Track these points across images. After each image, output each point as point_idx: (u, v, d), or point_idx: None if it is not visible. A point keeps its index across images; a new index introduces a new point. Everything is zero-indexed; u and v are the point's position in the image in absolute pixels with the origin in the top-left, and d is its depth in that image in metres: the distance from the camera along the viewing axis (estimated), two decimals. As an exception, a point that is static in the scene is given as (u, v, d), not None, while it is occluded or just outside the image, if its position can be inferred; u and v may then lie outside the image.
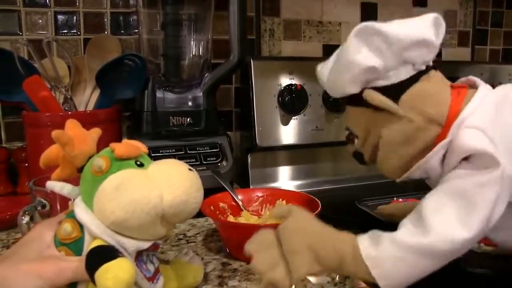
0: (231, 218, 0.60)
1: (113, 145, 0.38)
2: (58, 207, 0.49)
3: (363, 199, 0.72)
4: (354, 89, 0.45)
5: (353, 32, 0.43)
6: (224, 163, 0.73)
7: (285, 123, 0.84)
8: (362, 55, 0.43)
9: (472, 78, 0.47)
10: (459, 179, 0.39)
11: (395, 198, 0.68)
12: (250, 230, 0.53)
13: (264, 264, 0.40)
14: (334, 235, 0.41)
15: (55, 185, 0.40)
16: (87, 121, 0.64)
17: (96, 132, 0.42)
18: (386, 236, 0.39)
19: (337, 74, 0.46)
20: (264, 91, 0.82)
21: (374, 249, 0.39)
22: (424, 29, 0.44)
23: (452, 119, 0.42)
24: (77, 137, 0.39)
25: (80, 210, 0.37)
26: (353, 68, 0.43)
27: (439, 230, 0.37)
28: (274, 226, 0.54)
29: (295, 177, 0.89)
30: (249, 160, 0.85)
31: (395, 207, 0.63)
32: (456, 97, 0.44)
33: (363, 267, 0.38)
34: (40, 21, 0.82)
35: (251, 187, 0.83)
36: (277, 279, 0.39)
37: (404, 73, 0.44)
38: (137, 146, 0.40)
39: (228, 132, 0.80)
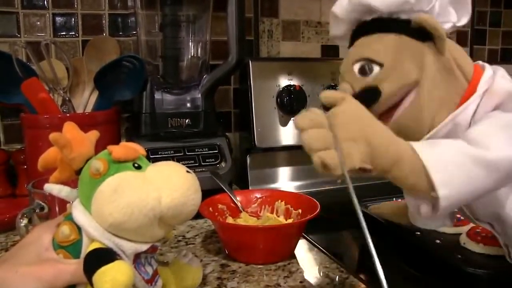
0: (230, 220, 0.60)
1: (111, 147, 0.38)
2: (57, 209, 0.49)
3: (363, 200, 0.72)
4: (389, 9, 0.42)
5: None
6: (223, 164, 0.73)
7: (284, 124, 0.84)
8: None
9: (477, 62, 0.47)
10: (501, 114, 0.40)
11: (394, 199, 0.68)
12: (249, 231, 0.53)
13: (316, 141, 0.37)
14: (390, 134, 0.39)
15: (53, 188, 0.40)
16: (85, 123, 0.65)
17: (94, 135, 0.42)
18: (445, 142, 0.38)
19: None
20: (262, 92, 0.82)
21: (434, 152, 0.37)
22: None
23: (478, 77, 0.43)
24: (75, 140, 0.39)
25: (78, 212, 0.37)
26: None
27: (501, 147, 0.37)
28: (275, 228, 0.54)
29: (294, 178, 0.89)
30: (248, 161, 0.85)
31: (387, 206, 0.63)
32: (474, 64, 0.45)
33: (420, 170, 0.36)
34: (39, 23, 0.82)
35: (250, 188, 0.83)
36: (330, 161, 0.36)
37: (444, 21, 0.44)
38: (135, 149, 0.39)
39: (227, 133, 0.80)
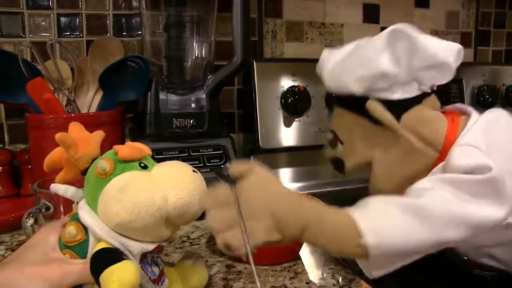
0: (234, 220, 0.60)
1: (117, 147, 0.38)
2: (62, 209, 0.49)
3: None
4: (357, 89, 0.43)
5: (386, 31, 0.42)
6: (228, 164, 0.73)
7: (288, 124, 0.84)
8: (383, 58, 0.41)
9: (461, 105, 0.46)
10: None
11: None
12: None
13: (220, 222, 0.37)
14: (296, 198, 0.38)
15: (59, 188, 0.40)
16: (90, 123, 0.65)
17: (99, 135, 0.42)
18: (373, 198, 0.38)
19: (347, 68, 0.44)
20: (267, 93, 0.82)
21: (358, 209, 0.37)
22: (450, 53, 0.43)
23: (449, 144, 0.41)
24: (81, 140, 0.39)
25: (84, 212, 0.37)
26: (369, 67, 0.41)
27: (432, 195, 0.36)
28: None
29: (298, 178, 0.88)
30: (252, 162, 0.85)
31: None
32: (451, 123, 0.43)
33: (346, 225, 0.35)
34: (43, 23, 0.82)
35: (254, 188, 0.83)
36: (233, 241, 0.36)
37: (410, 92, 0.43)
38: (141, 148, 0.40)
39: (231, 134, 0.80)
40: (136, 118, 0.81)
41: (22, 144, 0.82)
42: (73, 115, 0.72)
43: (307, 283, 0.48)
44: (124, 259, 0.35)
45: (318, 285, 0.47)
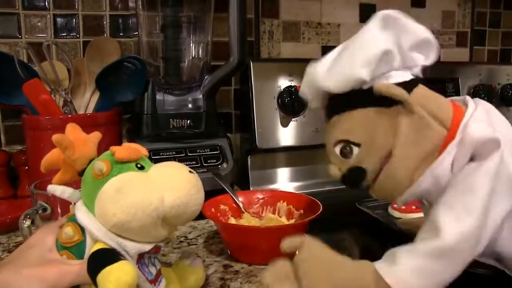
0: (232, 220, 0.60)
1: (114, 148, 0.38)
2: (59, 210, 0.49)
3: (364, 200, 0.72)
4: (364, 75, 0.41)
5: (377, 17, 0.42)
6: (225, 165, 0.73)
7: (285, 124, 0.84)
8: (383, 37, 0.41)
9: (454, 97, 0.47)
10: (463, 176, 0.40)
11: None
12: (251, 232, 0.54)
13: None
14: (353, 265, 0.40)
15: (56, 189, 0.40)
16: (87, 124, 0.65)
17: (96, 136, 0.42)
18: (400, 250, 0.39)
19: (348, 58, 0.43)
20: (263, 93, 0.82)
21: (392, 266, 0.38)
22: (428, 32, 0.44)
23: (457, 122, 0.42)
24: (78, 141, 0.39)
25: (81, 213, 0.37)
26: (371, 48, 0.41)
27: (449, 227, 0.37)
28: (277, 228, 0.54)
29: (295, 178, 0.89)
30: (249, 162, 0.85)
31: (412, 221, 0.62)
32: (453, 104, 0.44)
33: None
34: (40, 24, 0.82)
35: (251, 189, 0.83)
36: None
37: (405, 76, 0.43)
38: (138, 149, 0.40)
39: (228, 134, 0.80)
40: (133, 118, 0.81)
41: (19, 145, 0.81)
42: (70, 116, 0.72)
43: (304, 282, 0.48)
44: (121, 259, 0.35)
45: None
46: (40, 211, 0.48)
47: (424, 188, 0.43)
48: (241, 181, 0.86)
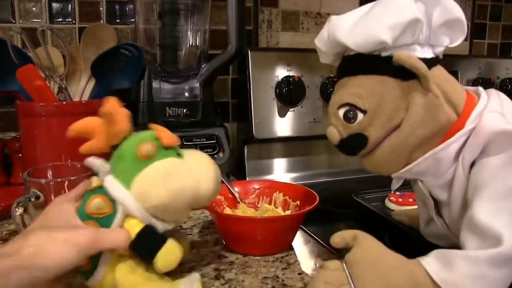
0: (227, 210, 0.59)
1: (159, 132, 0.40)
2: (53, 198, 0.48)
3: (360, 192, 0.72)
4: (389, 38, 0.40)
5: None
6: (221, 154, 0.73)
7: (282, 115, 0.84)
8: (416, 6, 0.40)
9: (471, 87, 0.46)
10: (496, 178, 0.38)
11: (392, 191, 0.68)
12: (247, 222, 0.53)
13: None
14: (405, 267, 0.38)
15: (95, 162, 0.40)
16: (82, 111, 0.64)
17: (129, 114, 0.42)
18: (457, 254, 0.37)
19: (375, 18, 0.41)
20: (261, 83, 0.82)
21: (448, 272, 0.37)
22: (462, 12, 0.43)
23: (469, 110, 0.41)
24: (120, 116, 0.40)
25: (117, 189, 0.38)
26: (402, 14, 0.39)
27: (509, 233, 0.36)
28: (273, 219, 0.54)
29: (291, 169, 0.88)
30: (245, 152, 0.85)
31: (408, 212, 0.62)
32: (467, 92, 0.44)
33: None
34: (34, 9, 0.81)
35: (247, 179, 0.83)
36: None
37: (427, 53, 0.42)
38: (177, 137, 0.42)
39: (224, 123, 0.79)
40: (129, 106, 0.80)
41: (13, 132, 0.80)
42: (64, 103, 0.71)
43: (299, 273, 0.48)
44: (167, 238, 0.39)
45: (310, 276, 0.47)
46: (33, 199, 0.47)
47: (422, 169, 0.42)
48: (237, 171, 0.85)
